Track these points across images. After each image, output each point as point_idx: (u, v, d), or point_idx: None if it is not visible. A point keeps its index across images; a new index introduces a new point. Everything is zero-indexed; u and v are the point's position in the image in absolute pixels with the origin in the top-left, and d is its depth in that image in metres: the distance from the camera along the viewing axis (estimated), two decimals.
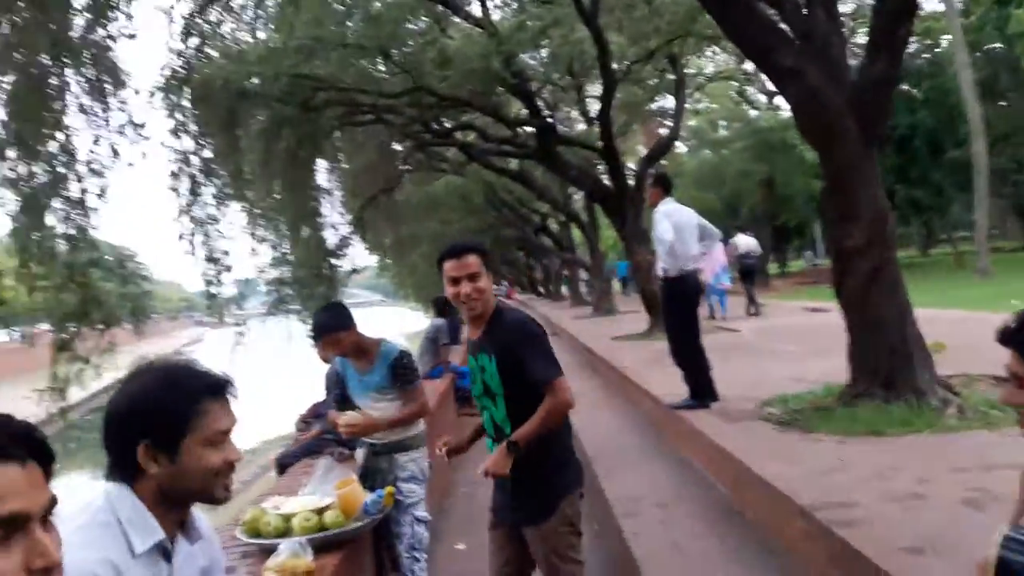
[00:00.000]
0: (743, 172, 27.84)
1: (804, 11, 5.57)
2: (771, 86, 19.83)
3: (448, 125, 16.72)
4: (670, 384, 6.96)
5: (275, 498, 3.41)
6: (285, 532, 3.05)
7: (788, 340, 9.82)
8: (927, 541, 2.87)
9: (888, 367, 5.14)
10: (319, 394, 6.06)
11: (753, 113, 31.63)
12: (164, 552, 1.52)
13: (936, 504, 3.30)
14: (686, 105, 18.76)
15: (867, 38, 5.54)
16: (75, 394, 8.89)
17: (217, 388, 1.56)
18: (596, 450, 6.39)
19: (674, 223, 6.13)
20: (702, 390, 6.10)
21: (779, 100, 25.42)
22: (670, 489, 5.02)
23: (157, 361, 1.68)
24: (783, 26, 5.69)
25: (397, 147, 18.67)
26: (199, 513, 1.67)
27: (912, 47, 24.41)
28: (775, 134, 26.18)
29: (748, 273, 15.61)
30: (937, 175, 26.29)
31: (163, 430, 1.49)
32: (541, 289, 45.40)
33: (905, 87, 24.66)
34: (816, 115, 5.44)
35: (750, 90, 31.53)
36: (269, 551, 3.03)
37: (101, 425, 1.56)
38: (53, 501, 0.99)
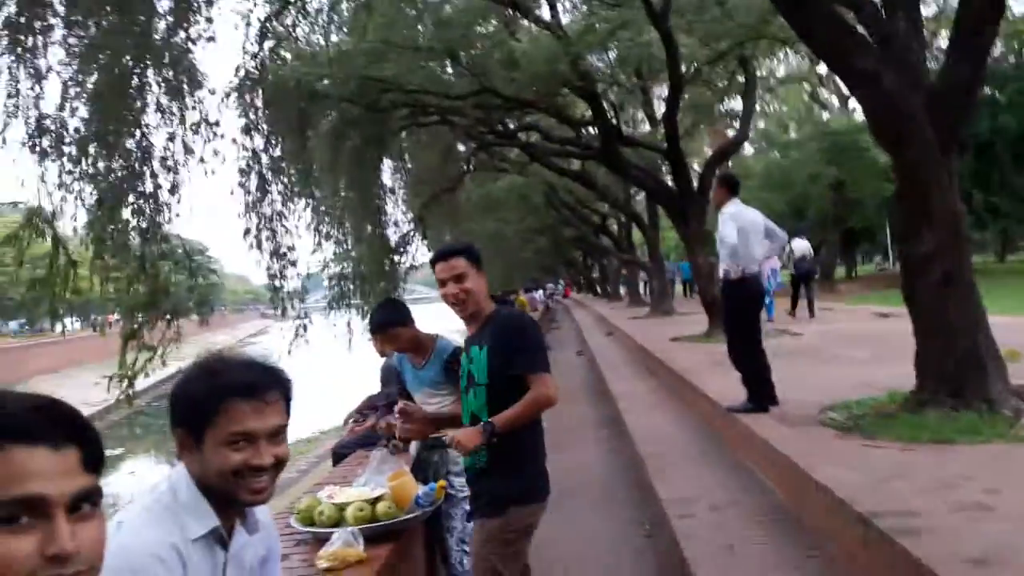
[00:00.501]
0: (812, 175, 27.17)
1: (884, 14, 5.43)
2: (845, 89, 19.36)
3: (512, 126, 16.81)
4: (728, 387, 6.85)
5: (329, 487, 3.48)
6: (338, 521, 3.11)
7: (853, 345, 9.55)
8: (993, 553, 2.77)
9: (958, 374, 4.97)
10: (374, 387, 6.18)
11: (825, 116, 30.89)
12: (220, 539, 1.52)
13: (1004, 515, 3.17)
14: (756, 107, 18.43)
15: (948, 42, 5.36)
16: (142, 382, 9.23)
17: (246, 390, 1.50)
18: (650, 451, 6.34)
19: (739, 225, 6.03)
20: (761, 394, 5.99)
21: (853, 103, 24.77)
22: (725, 492, 4.94)
23: (222, 352, 1.69)
24: (860, 29, 5.56)
25: (460, 147, 18.86)
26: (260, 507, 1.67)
27: (997, 50, 23.45)
28: (847, 137, 25.50)
29: (803, 277, 15.25)
30: (1018, 181, 25.20)
31: (191, 420, 1.51)
32: (599, 289, 45.20)
33: (988, 90, 23.68)
34: (891, 119, 5.30)
35: (823, 93, 30.81)
36: (322, 540, 3.10)
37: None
38: (92, 492, 0.97)
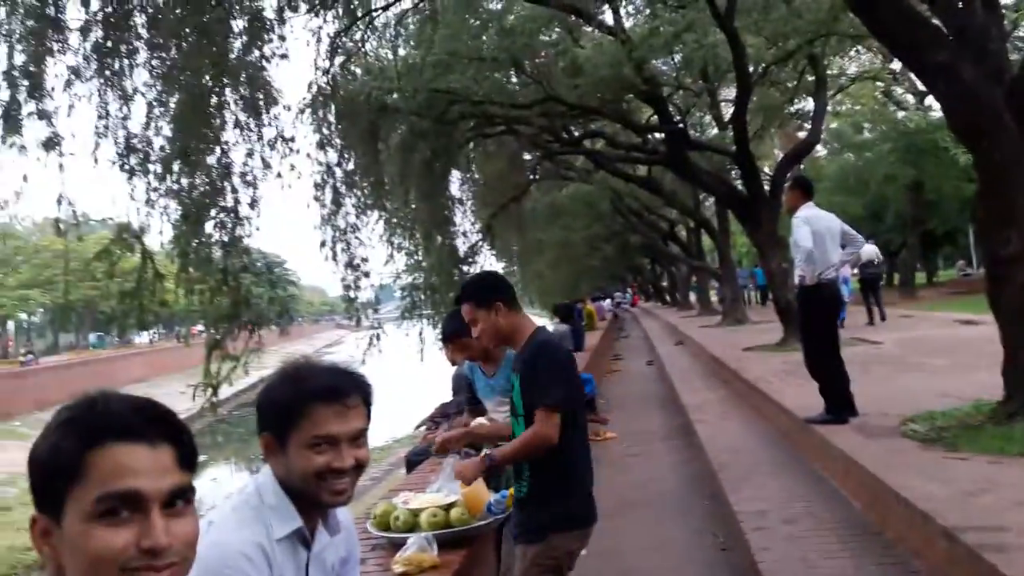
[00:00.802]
0: (889, 176, 26.26)
1: (960, 4, 5.25)
2: (921, 85, 18.69)
3: (577, 133, 16.81)
4: (804, 396, 6.71)
5: (404, 493, 3.55)
6: (413, 527, 3.17)
7: (935, 354, 9.21)
8: None
9: None
10: (446, 395, 6.27)
11: (900, 114, 29.88)
12: (303, 539, 1.59)
13: None
14: (827, 107, 17.97)
15: None
16: (224, 391, 9.55)
17: (329, 394, 1.55)
18: (722, 461, 6.24)
19: (814, 229, 5.85)
20: (839, 404, 5.84)
21: (930, 100, 23.89)
22: (801, 504, 4.84)
23: (305, 358, 1.77)
24: (935, 21, 5.39)
25: (526, 156, 18.97)
26: (342, 509, 1.72)
27: None
28: (924, 136, 24.55)
29: (871, 282, 14.78)
30: None
31: (276, 424, 1.57)
32: (667, 297, 44.63)
33: None
34: (970, 114, 5.11)
35: (897, 90, 29.83)
36: (398, 544, 3.17)
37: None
38: (185, 489, 1.02)
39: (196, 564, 1.25)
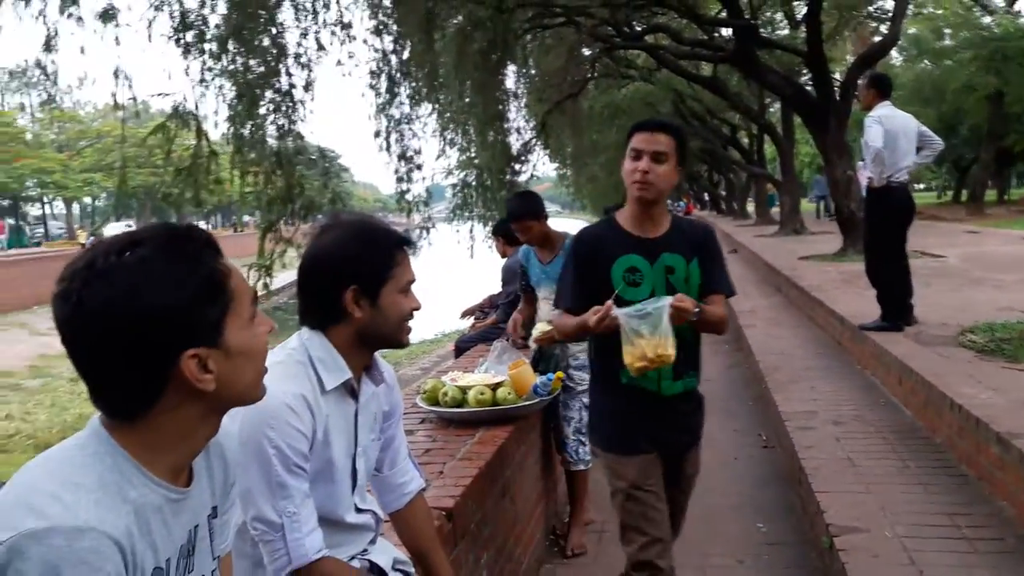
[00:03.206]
0: (967, 86, 24.81)
1: None
2: None
3: (640, 28, 16.12)
4: (859, 304, 6.57)
5: (453, 372, 3.63)
6: (461, 403, 3.25)
7: (1000, 269, 8.89)
8: None
9: None
10: (493, 287, 6.31)
11: (987, 19, 27.96)
12: (351, 390, 1.68)
13: None
14: (908, 7, 16.86)
15: None
16: (279, 280, 9.73)
17: (406, 242, 1.70)
18: (771, 365, 6.20)
19: (886, 129, 5.54)
20: (897, 311, 5.70)
21: (1020, 4, 22.27)
22: (849, 408, 4.80)
23: (346, 216, 1.80)
24: None
25: (585, 51, 18.32)
26: (384, 363, 1.81)
27: None
28: (1011, 43, 23.00)
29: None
30: None
31: (369, 277, 1.62)
32: (724, 206, 43.65)
33: None
34: None
35: None
36: (445, 419, 3.25)
37: (300, 273, 1.70)
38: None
39: (239, 412, 1.28)
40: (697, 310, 2.32)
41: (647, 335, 2.22)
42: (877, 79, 6.07)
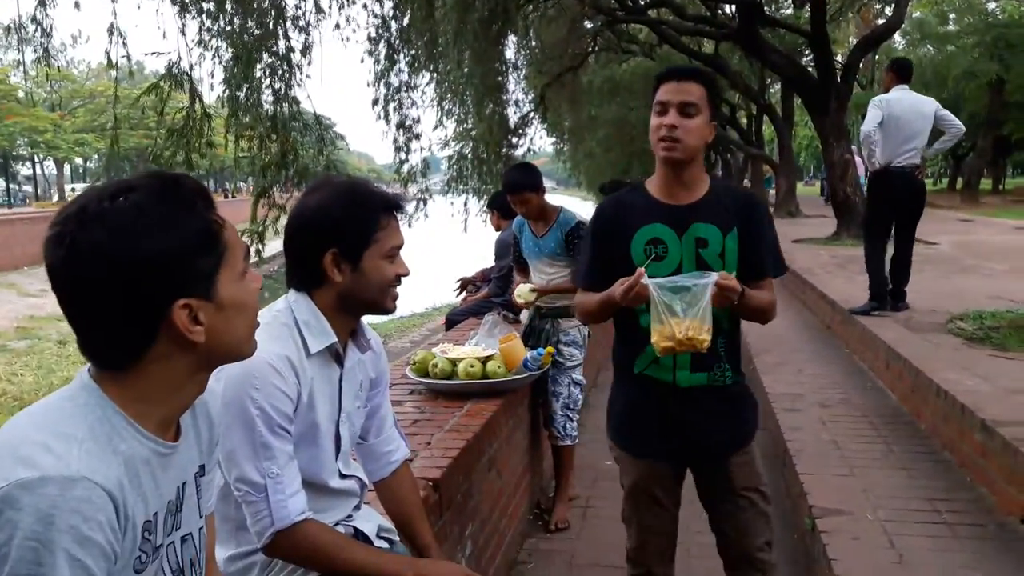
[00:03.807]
0: (968, 72, 24.72)
1: None
2: None
3: (643, 1, 15.97)
4: (850, 289, 6.60)
5: (444, 344, 3.63)
6: (450, 375, 3.25)
7: (991, 257, 8.94)
8: None
9: None
10: (486, 261, 6.29)
11: (991, 5, 27.81)
12: (336, 356, 1.66)
13: None
14: None
15: None
16: (271, 248, 9.67)
17: (394, 206, 1.65)
18: (760, 347, 6.22)
19: (888, 113, 5.50)
20: (875, 294, 5.74)
21: None
22: (837, 392, 4.83)
23: (336, 178, 1.78)
24: None
25: (587, 24, 18.14)
26: (372, 331, 1.80)
27: None
28: (1015, 30, 22.90)
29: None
30: None
31: (350, 240, 1.58)
32: None
33: None
34: None
35: None
36: (435, 391, 3.26)
37: (285, 234, 1.68)
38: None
39: (223, 372, 1.27)
40: (740, 291, 1.98)
41: (680, 313, 1.92)
42: (896, 62, 6.07)
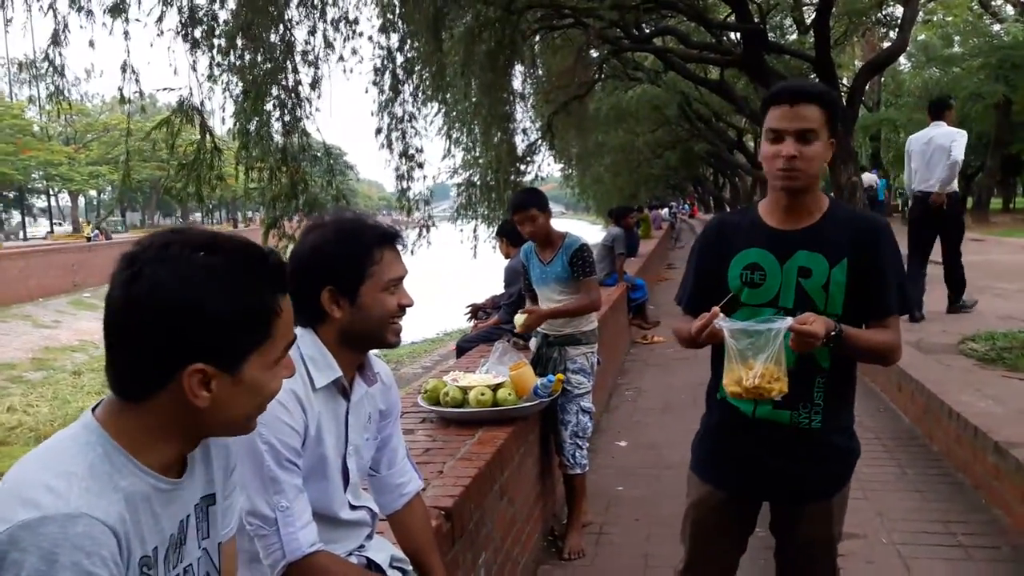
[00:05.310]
0: (975, 94, 24.78)
1: None
2: None
3: (648, 30, 16.13)
4: None
5: (455, 372, 3.64)
6: (461, 403, 3.26)
7: (1002, 278, 8.90)
8: None
9: None
10: (496, 288, 6.33)
11: (996, 27, 27.92)
12: (343, 390, 1.68)
13: None
14: (918, 14, 16.83)
15: None
16: None
17: (389, 238, 1.66)
18: None
19: (908, 150, 6.59)
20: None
21: None
22: None
23: (331, 214, 1.80)
24: None
25: (593, 53, 18.33)
26: (382, 363, 1.81)
27: None
28: (1020, 52, 22.96)
29: (871, 206, 15.96)
30: None
31: (345, 276, 1.61)
32: (729, 209, 43.63)
33: None
34: None
35: (996, 0, 27.80)
36: (446, 419, 3.27)
37: (287, 274, 1.71)
38: None
39: None
40: (834, 334, 1.80)
41: (751, 358, 1.77)
42: (930, 103, 6.99)
